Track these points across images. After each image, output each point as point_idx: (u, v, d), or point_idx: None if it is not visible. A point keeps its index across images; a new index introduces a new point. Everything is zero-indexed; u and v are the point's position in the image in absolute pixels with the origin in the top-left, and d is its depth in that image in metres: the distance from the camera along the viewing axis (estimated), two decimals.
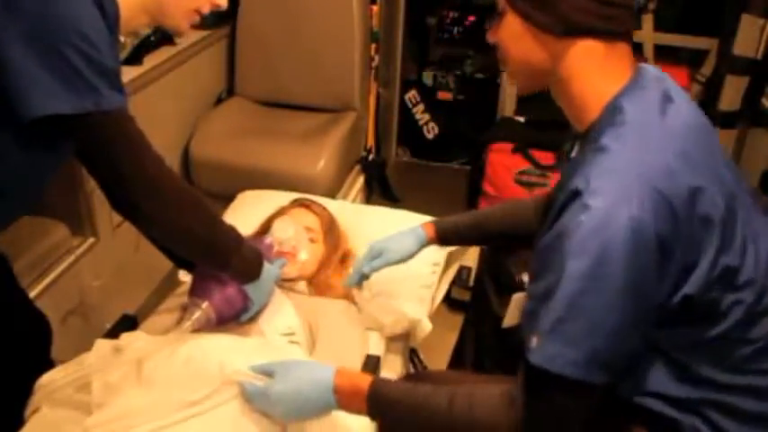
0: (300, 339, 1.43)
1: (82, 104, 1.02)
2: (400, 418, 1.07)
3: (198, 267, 1.37)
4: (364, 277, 1.52)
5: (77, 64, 1.00)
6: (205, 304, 1.29)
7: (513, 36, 1.04)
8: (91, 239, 2.02)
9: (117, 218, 2.02)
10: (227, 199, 2.09)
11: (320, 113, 2.64)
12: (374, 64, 2.79)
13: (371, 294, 1.62)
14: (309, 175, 2.35)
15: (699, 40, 2.69)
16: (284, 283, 1.54)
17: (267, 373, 1.14)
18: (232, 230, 1.28)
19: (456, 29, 3.28)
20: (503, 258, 1.79)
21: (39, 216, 1.91)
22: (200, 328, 1.29)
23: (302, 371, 1.13)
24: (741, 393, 1.03)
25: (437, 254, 1.74)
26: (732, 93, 2.47)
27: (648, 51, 2.65)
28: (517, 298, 1.43)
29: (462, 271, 2.27)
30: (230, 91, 2.77)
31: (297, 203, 1.80)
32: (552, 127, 2.65)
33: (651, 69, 1.06)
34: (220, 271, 1.30)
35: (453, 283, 1.99)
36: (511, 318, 1.43)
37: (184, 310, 1.34)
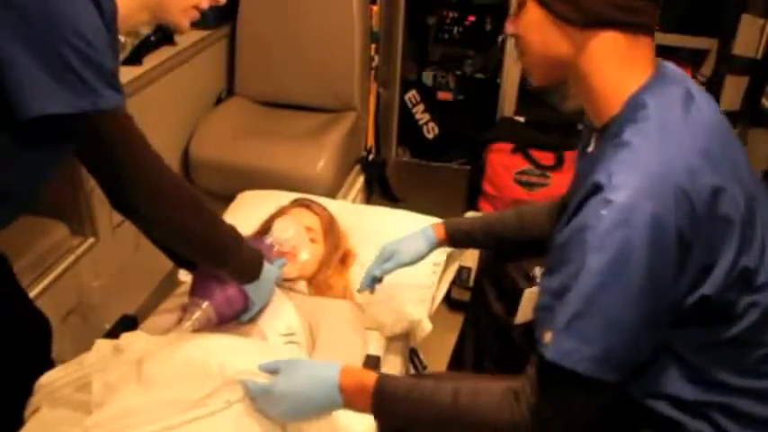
0: (300, 339, 1.43)
1: (79, 104, 1.02)
2: (405, 413, 1.07)
3: (198, 267, 1.37)
4: (376, 280, 1.52)
5: (75, 64, 1.00)
6: (205, 304, 1.29)
7: (534, 27, 1.02)
8: (91, 239, 2.02)
9: (117, 218, 2.03)
10: (227, 199, 2.09)
11: (320, 113, 2.64)
12: (374, 64, 2.79)
13: (372, 295, 1.62)
14: (309, 175, 2.35)
15: (699, 40, 2.68)
16: (284, 283, 1.54)
17: (272, 371, 1.14)
18: (232, 230, 1.28)
19: (456, 29, 3.28)
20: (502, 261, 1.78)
21: (39, 216, 1.91)
22: (200, 328, 1.29)
23: (307, 369, 1.13)
24: (751, 397, 1.03)
25: (438, 254, 1.74)
26: (732, 93, 2.46)
27: None
28: (529, 294, 1.41)
29: (462, 271, 2.27)
30: (230, 91, 2.76)
31: (297, 203, 1.80)
32: (552, 127, 2.67)
33: (672, 66, 1.04)
34: (220, 270, 1.30)
35: (453, 283, 1.99)
36: (523, 314, 1.41)
37: (184, 310, 1.34)
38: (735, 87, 2.46)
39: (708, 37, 2.66)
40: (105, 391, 1.22)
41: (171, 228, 1.18)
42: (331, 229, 1.73)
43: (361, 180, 2.79)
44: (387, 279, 1.52)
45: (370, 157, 2.87)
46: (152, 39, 2.20)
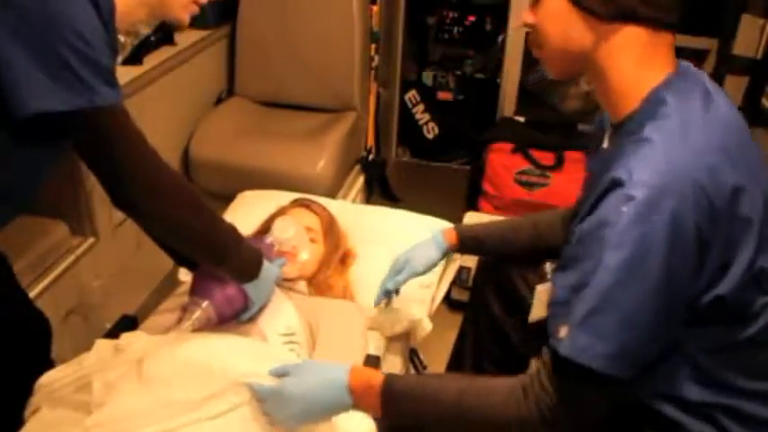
0: (300, 339, 1.43)
1: (76, 101, 1.02)
2: (413, 411, 1.07)
3: (198, 267, 1.37)
4: (391, 293, 1.53)
5: (73, 62, 1.00)
6: (205, 303, 1.29)
7: (554, 17, 1.00)
8: (91, 239, 2.02)
9: (117, 218, 2.03)
10: (227, 199, 2.09)
11: (320, 113, 2.64)
12: (374, 64, 2.79)
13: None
14: (309, 175, 2.35)
15: (699, 40, 2.68)
16: (284, 282, 1.54)
17: (281, 374, 1.14)
18: (231, 229, 1.28)
19: (456, 29, 3.27)
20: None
21: (38, 216, 1.91)
22: (200, 328, 1.29)
23: (316, 370, 1.13)
24: (758, 400, 1.03)
25: None
26: (732, 93, 2.46)
27: None
28: (540, 290, 1.39)
29: (462, 271, 2.27)
30: (230, 91, 2.76)
31: (297, 203, 1.80)
32: (552, 127, 2.67)
33: (690, 65, 1.03)
34: (219, 268, 1.30)
35: (453, 283, 1.99)
36: (537, 312, 1.40)
37: (184, 310, 1.33)
38: (735, 87, 2.46)
39: (708, 37, 2.65)
40: (105, 391, 1.22)
41: (170, 225, 1.18)
42: (331, 229, 1.73)
43: (361, 180, 2.79)
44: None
45: (370, 157, 2.87)
46: (152, 39, 2.20)
